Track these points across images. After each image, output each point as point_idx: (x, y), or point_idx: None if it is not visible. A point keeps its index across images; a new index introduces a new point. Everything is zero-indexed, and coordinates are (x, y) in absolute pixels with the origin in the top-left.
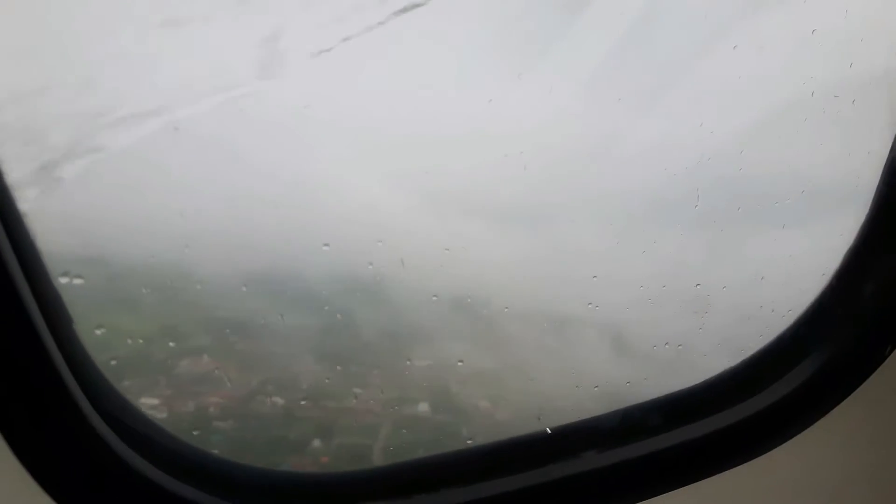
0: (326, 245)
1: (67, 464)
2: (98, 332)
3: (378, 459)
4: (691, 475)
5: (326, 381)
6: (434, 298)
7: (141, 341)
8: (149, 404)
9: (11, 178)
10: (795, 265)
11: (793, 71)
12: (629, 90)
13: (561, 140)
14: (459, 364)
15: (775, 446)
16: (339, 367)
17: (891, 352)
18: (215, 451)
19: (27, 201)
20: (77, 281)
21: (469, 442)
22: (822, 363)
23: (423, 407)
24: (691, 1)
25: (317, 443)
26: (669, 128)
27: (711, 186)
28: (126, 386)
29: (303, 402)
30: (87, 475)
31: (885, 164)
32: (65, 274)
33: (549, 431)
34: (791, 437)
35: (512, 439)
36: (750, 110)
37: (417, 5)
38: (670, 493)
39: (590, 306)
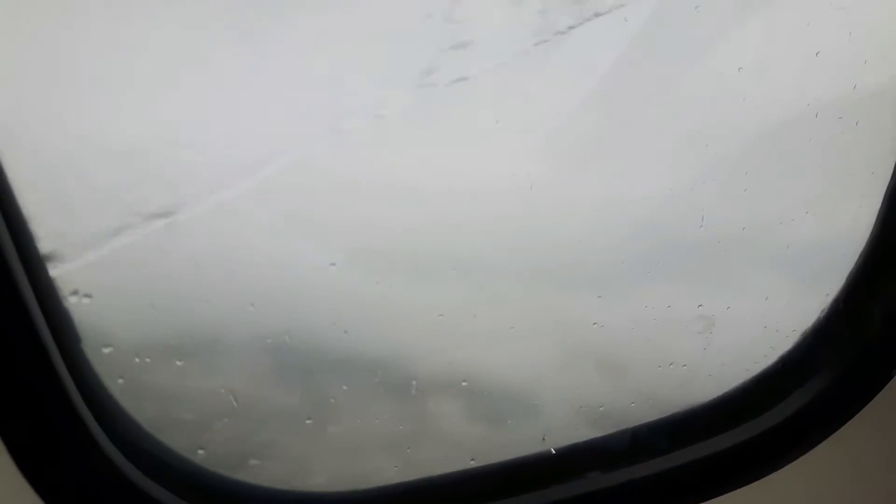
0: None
1: (77, 485)
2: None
3: None
4: (697, 495)
5: (226, 451)
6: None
7: None
8: None
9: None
10: (798, 286)
11: (797, 92)
12: (620, 112)
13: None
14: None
15: (780, 467)
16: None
17: None
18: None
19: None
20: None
21: (472, 462)
22: (827, 383)
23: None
24: (692, 18)
25: None
26: (669, 146)
27: (715, 205)
28: None
29: None
30: (96, 497)
31: (888, 186)
32: (74, 293)
33: (554, 451)
34: (796, 458)
35: (516, 459)
36: (755, 130)
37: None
38: None
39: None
